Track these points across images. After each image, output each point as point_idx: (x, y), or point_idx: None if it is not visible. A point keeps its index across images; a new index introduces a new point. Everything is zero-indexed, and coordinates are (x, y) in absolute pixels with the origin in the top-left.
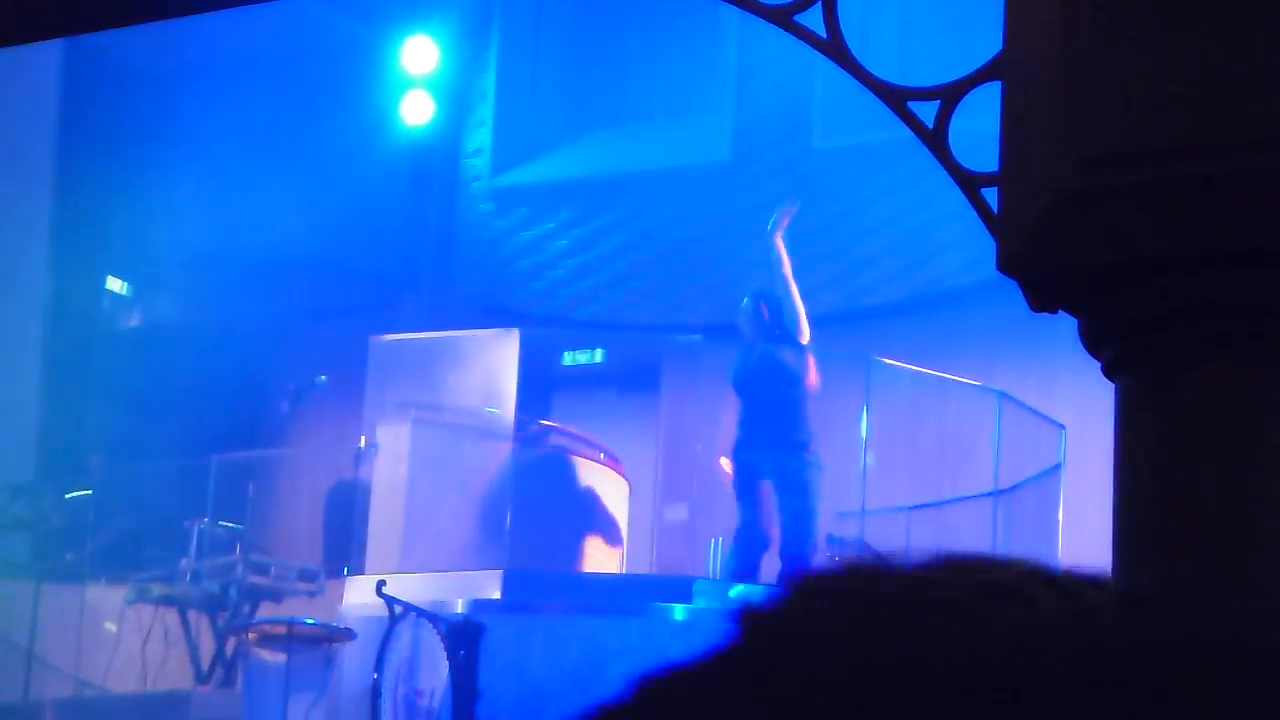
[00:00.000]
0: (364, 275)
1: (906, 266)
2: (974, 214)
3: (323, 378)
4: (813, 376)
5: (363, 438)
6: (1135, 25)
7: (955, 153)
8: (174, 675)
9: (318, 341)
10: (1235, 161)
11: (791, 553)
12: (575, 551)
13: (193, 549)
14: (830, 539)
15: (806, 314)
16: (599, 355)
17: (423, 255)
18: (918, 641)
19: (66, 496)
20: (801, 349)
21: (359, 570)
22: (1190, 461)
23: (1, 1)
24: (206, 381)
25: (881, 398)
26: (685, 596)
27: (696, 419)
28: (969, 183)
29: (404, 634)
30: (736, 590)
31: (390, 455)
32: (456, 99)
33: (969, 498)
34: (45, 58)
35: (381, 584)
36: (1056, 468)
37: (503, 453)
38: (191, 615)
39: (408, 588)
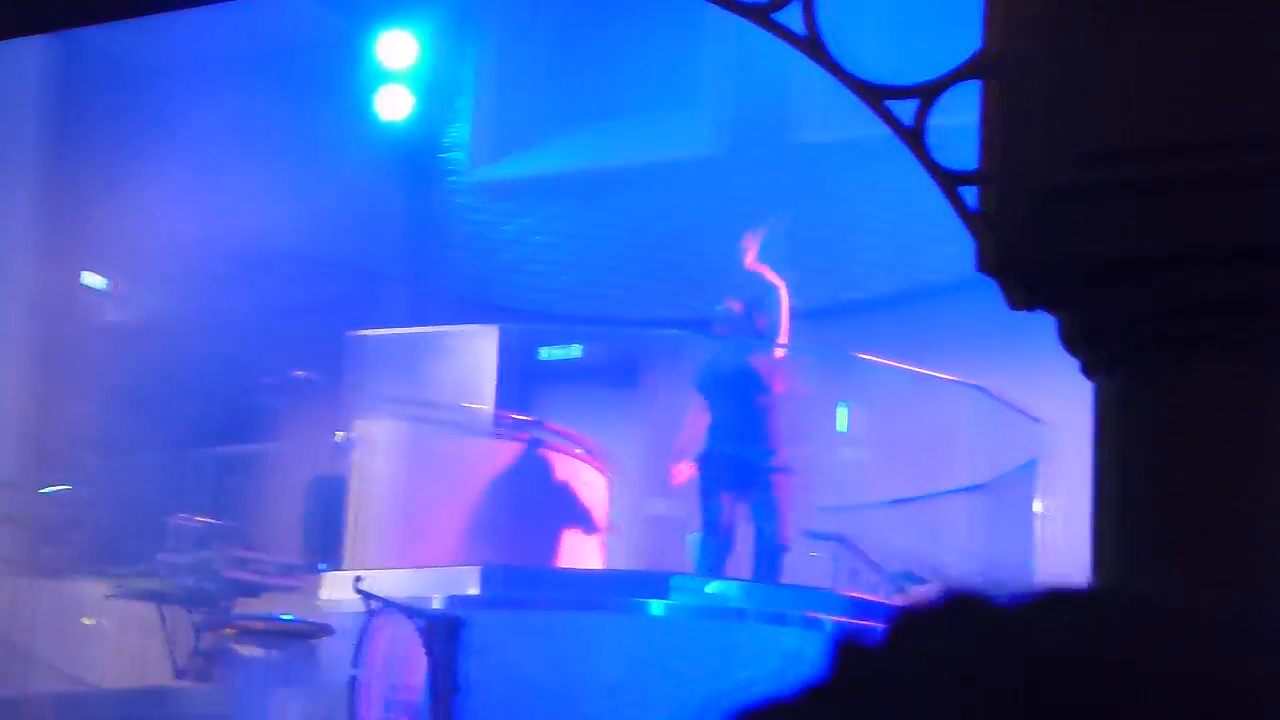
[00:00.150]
0: (344, 270)
1: (890, 261)
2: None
3: (303, 373)
4: (784, 383)
5: (342, 433)
6: (1125, 24)
7: (931, 149)
8: (153, 670)
9: (298, 336)
10: (1224, 160)
11: (760, 556)
12: (554, 546)
13: (173, 544)
14: (811, 534)
15: (790, 309)
16: (578, 350)
17: (402, 250)
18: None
19: (48, 491)
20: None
21: (338, 565)
22: (1168, 459)
23: None
24: (187, 376)
25: (861, 393)
26: (663, 592)
27: (676, 414)
28: (947, 181)
29: (383, 629)
30: (714, 587)
31: (370, 450)
32: (436, 93)
33: (948, 492)
34: (27, 52)
35: (359, 580)
36: (1035, 462)
37: (482, 448)
38: (171, 610)
39: (387, 583)
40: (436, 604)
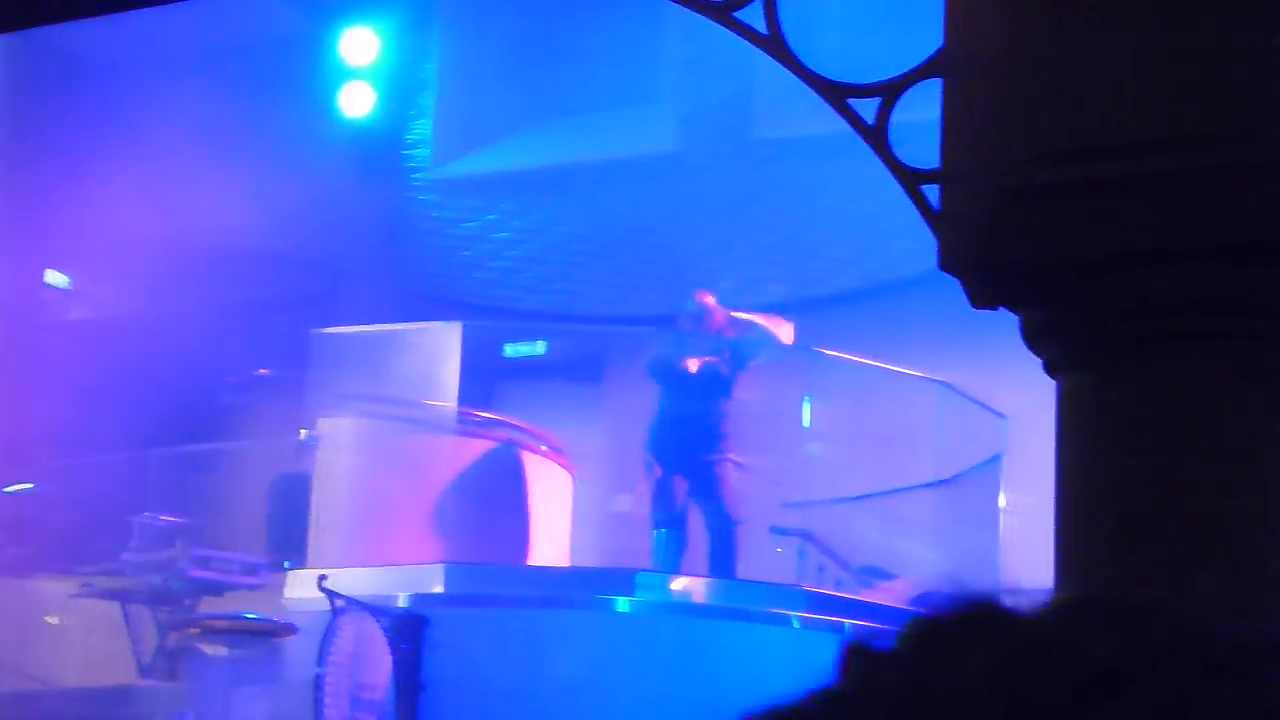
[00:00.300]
0: (306, 267)
1: (851, 257)
2: None
3: (266, 371)
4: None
5: (306, 431)
6: (1078, 24)
7: (895, 145)
8: (117, 669)
9: (260, 333)
10: (1179, 159)
11: (715, 550)
12: (518, 544)
13: (137, 542)
14: (776, 530)
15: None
16: (542, 347)
17: (365, 246)
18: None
19: (11, 490)
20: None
21: (302, 564)
22: (1131, 454)
23: None
24: (149, 374)
25: (824, 389)
26: (628, 588)
27: (640, 410)
28: (910, 179)
29: (347, 628)
30: (678, 583)
31: (333, 448)
32: (398, 90)
33: (912, 487)
34: None
35: (323, 578)
36: (998, 457)
37: (445, 445)
38: (134, 609)
39: (351, 581)
40: (401, 602)
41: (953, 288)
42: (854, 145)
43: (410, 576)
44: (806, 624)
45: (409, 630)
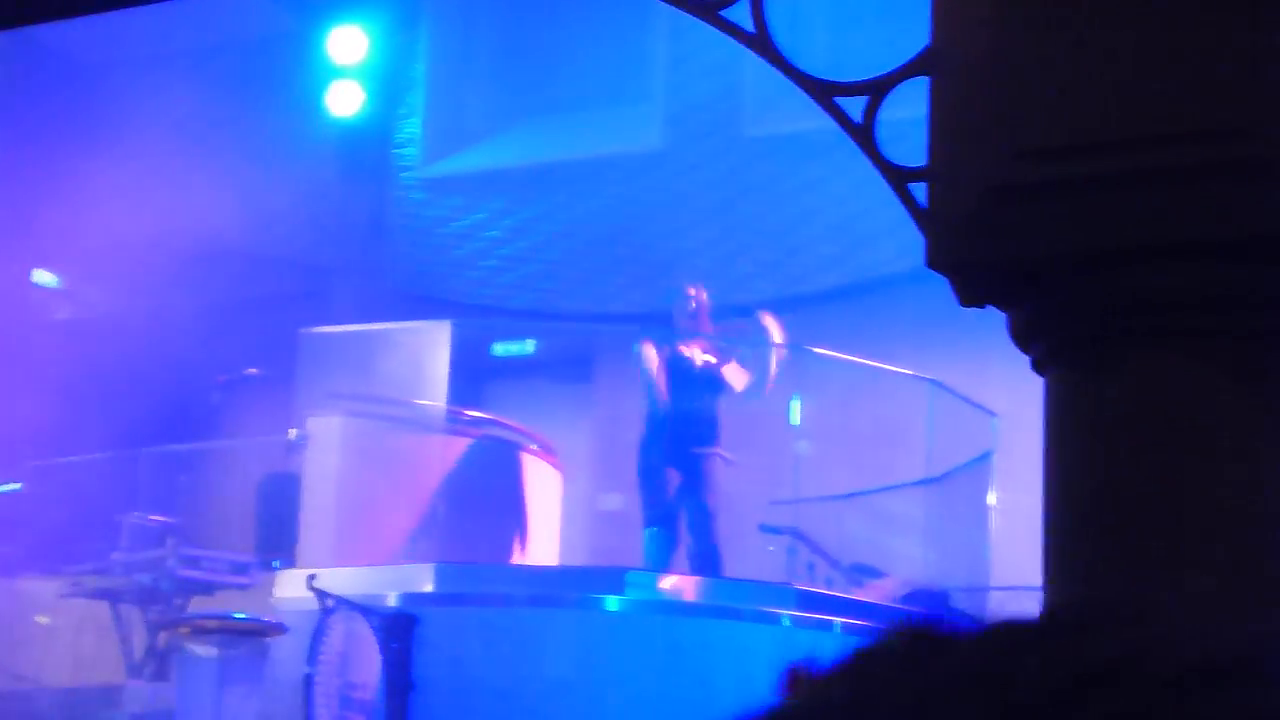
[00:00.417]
0: (295, 266)
1: (839, 254)
2: None
3: (253, 370)
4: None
5: (294, 430)
6: (1065, 22)
7: (882, 141)
8: (106, 668)
9: (248, 332)
10: (1163, 157)
11: (699, 548)
12: (508, 543)
13: (124, 542)
14: (765, 528)
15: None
16: (531, 346)
17: (354, 245)
18: None
19: None
20: (724, 350)
21: (291, 563)
22: (1120, 452)
23: None
24: (137, 373)
25: (814, 387)
26: (618, 587)
27: (629, 408)
28: (897, 178)
29: (337, 627)
30: (668, 582)
31: (322, 447)
32: (386, 89)
33: (902, 485)
34: None
35: (313, 578)
36: (988, 455)
37: (435, 444)
38: (124, 609)
39: (341, 581)
40: (391, 601)
41: (941, 285)
42: (842, 143)
43: (400, 576)
44: (797, 622)
45: (399, 630)
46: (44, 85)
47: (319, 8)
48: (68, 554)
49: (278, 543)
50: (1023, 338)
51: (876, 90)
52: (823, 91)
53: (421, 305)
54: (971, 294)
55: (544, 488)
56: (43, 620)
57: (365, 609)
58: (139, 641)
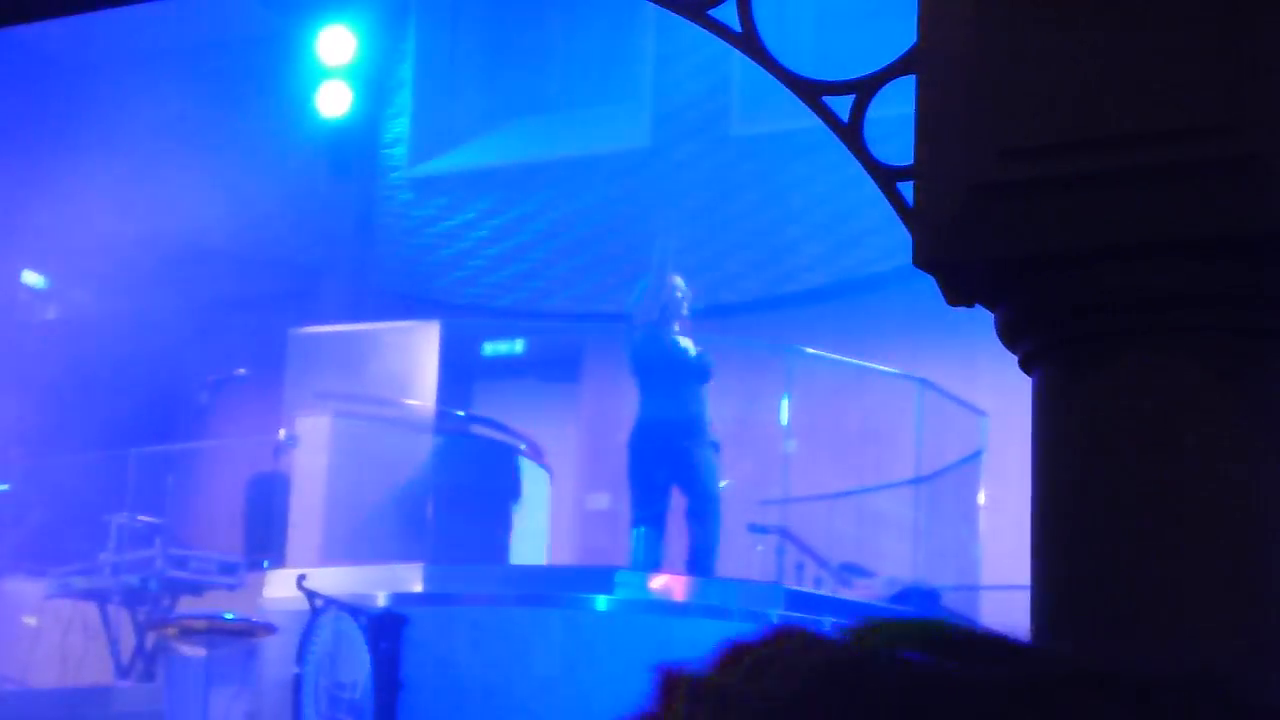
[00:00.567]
0: (283, 266)
1: (827, 253)
2: None
3: (242, 370)
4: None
5: (282, 430)
6: (1051, 20)
7: (871, 140)
8: (95, 669)
9: (236, 332)
10: (1150, 154)
11: (698, 541)
12: (497, 543)
13: (112, 542)
14: (754, 528)
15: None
16: (520, 345)
17: (342, 245)
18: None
19: None
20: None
21: (280, 563)
22: (1107, 452)
23: None
24: (124, 374)
25: (803, 386)
26: (607, 587)
27: (617, 407)
28: (885, 177)
29: (326, 627)
30: (657, 581)
31: (310, 447)
32: (375, 89)
33: (891, 485)
34: None
35: (302, 578)
36: (977, 454)
37: (424, 444)
38: (112, 609)
39: (329, 581)
40: (379, 601)
41: (929, 284)
42: (829, 142)
43: (389, 575)
44: (786, 622)
45: (388, 629)
46: (30, 85)
47: (306, 8)
48: (55, 554)
49: (266, 543)
50: (1010, 336)
51: (864, 89)
52: (810, 91)
53: (409, 305)
54: (958, 293)
55: (532, 487)
56: (30, 621)
57: (354, 609)
58: (127, 642)
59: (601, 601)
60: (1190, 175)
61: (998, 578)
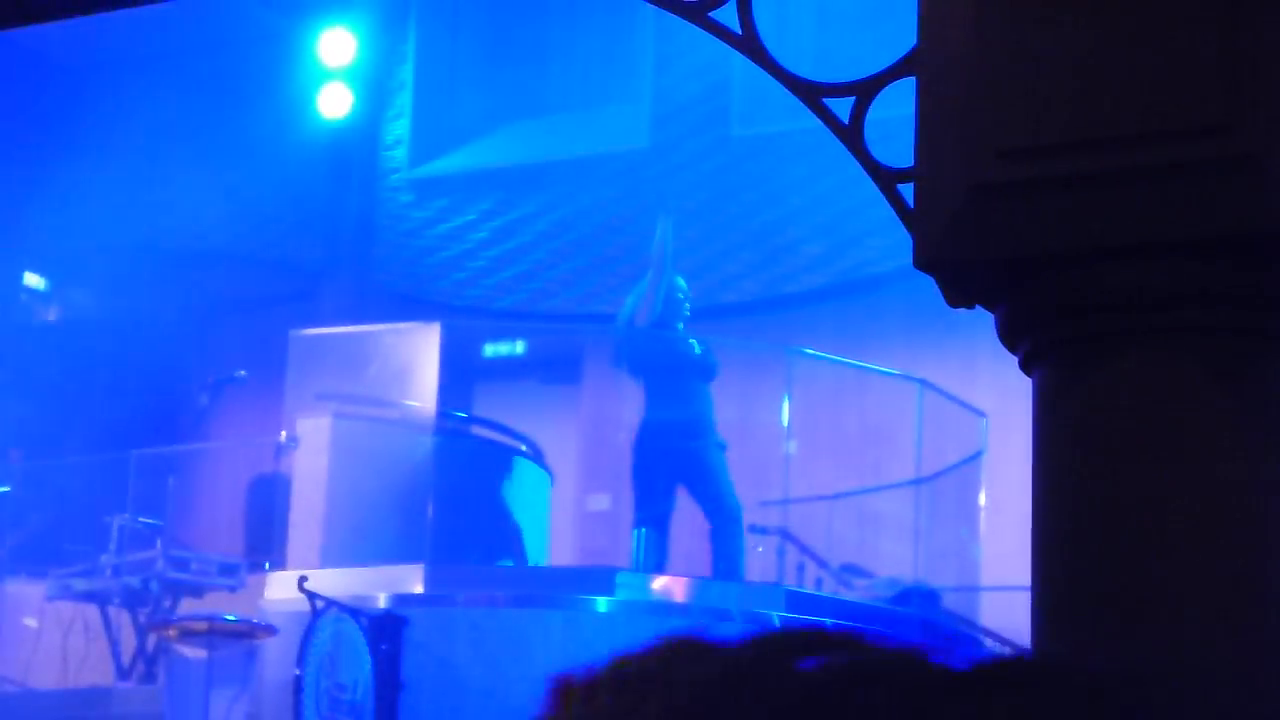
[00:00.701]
0: (283, 267)
1: (826, 254)
2: None
3: (242, 372)
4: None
5: (283, 431)
6: (1049, 20)
7: (873, 140)
8: (95, 671)
9: (237, 334)
10: (1149, 154)
11: (724, 546)
12: (498, 544)
13: (113, 544)
14: (754, 529)
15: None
16: (520, 346)
17: (342, 247)
18: None
19: None
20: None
21: (280, 565)
22: (1107, 452)
23: None
24: (125, 375)
25: (803, 387)
26: (608, 588)
27: (618, 408)
28: (885, 179)
29: (326, 628)
30: (658, 583)
31: (311, 449)
32: (375, 91)
33: (891, 486)
34: None
35: (303, 579)
36: (978, 455)
37: (424, 446)
38: (112, 611)
39: (330, 582)
40: (380, 602)
41: (929, 284)
42: (829, 142)
43: (389, 577)
44: (787, 623)
45: (388, 631)
46: (31, 87)
47: (307, 10)
48: (56, 556)
49: (267, 544)
50: (1010, 337)
51: (864, 91)
52: (810, 93)
53: (409, 306)
54: (959, 294)
55: (533, 489)
56: (31, 623)
57: (354, 610)
58: (128, 643)
59: (602, 603)
60: (1190, 175)
61: (998, 578)
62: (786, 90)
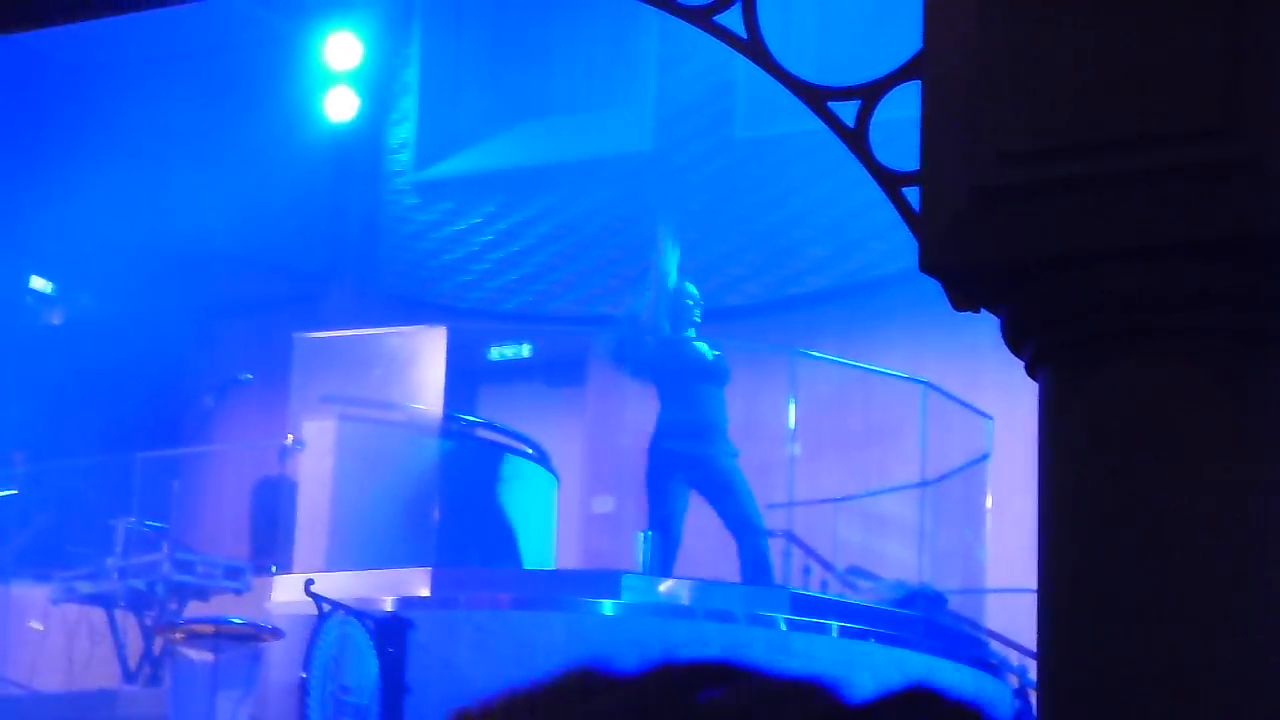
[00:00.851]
0: (288, 270)
1: (831, 256)
2: None
3: (247, 375)
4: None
5: (288, 434)
6: (1052, 25)
7: (876, 142)
8: (101, 674)
9: (242, 337)
10: (1151, 157)
11: (751, 552)
12: (503, 547)
13: (118, 547)
14: None
15: (731, 304)
16: (525, 349)
17: (347, 250)
18: None
19: None
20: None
21: (286, 568)
22: (1111, 453)
23: None
24: (130, 378)
25: (807, 389)
26: (614, 591)
27: (623, 411)
28: (890, 182)
29: (332, 631)
30: (664, 585)
31: (316, 452)
32: (380, 94)
33: (897, 489)
34: None
35: (310, 582)
36: (984, 458)
37: (430, 449)
38: (118, 614)
39: (336, 585)
40: (386, 605)
41: (933, 287)
42: (833, 144)
43: (395, 580)
44: (792, 626)
45: (394, 634)
46: (37, 90)
47: (313, 13)
48: (61, 559)
49: (272, 547)
50: (1015, 340)
51: (869, 95)
52: (815, 97)
53: (415, 309)
54: (963, 297)
55: (538, 492)
56: (36, 626)
57: (360, 613)
58: (133, 646)
59: (608, 606)
60: (1191, 178)
61: (1004, 581)
62: (791, 94)
